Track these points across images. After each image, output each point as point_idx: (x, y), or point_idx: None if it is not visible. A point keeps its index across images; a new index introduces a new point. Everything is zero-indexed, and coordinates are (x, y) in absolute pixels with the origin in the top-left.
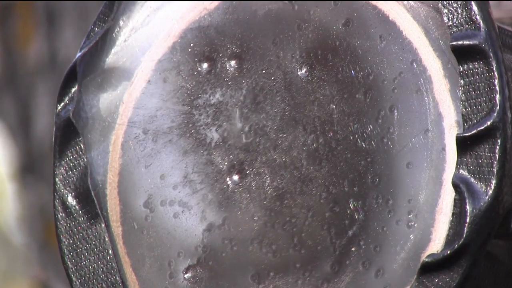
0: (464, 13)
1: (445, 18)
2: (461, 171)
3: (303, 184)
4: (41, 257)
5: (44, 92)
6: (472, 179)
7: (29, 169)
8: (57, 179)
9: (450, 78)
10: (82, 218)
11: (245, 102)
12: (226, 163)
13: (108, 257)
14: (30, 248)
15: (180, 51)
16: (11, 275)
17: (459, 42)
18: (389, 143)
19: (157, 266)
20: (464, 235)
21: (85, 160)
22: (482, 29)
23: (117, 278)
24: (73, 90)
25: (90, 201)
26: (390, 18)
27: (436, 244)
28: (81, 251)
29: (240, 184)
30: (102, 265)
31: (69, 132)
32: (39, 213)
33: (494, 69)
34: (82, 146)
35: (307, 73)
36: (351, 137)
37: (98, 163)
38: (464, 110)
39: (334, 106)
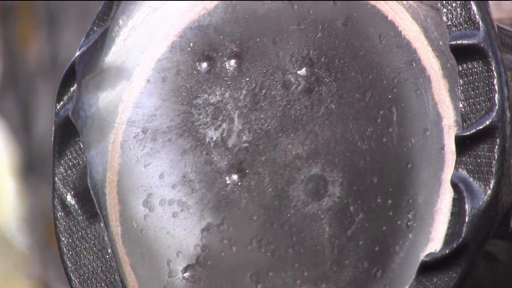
0: (463, 13)
1: (444, 18)
2: (460, 170)
3: (302, 184)
4: (43, 257)
5: (45, 92)
6: (471, 179)
7: (30, 170)
8: (56, 178)
9: (449, 77)
10: (81, 217)
11: (244, 101)
12: (225, 163)
13: (107, 256)
14: (31, 248)
15: (180, 51)
16: (12, 275)
17: (458, 42)
18: (388, 142)
19: (156, 265)
20: (463, 235)
21: (84, 159)
22: (481, 29)
23: (116, 277)
24: (72, 89)
25: (89, 200)
26: (389, 18)
27: (435, 244)
28: (80, 250)
29: (239, 183)
30: (101, 264)
31: (68, 131)
32: (40, 213)
33: (493, 68)
34: (81, 145)
35: (306, 73)
36: (350, 137)
37: (97, 162)
38: (463, 109)
39: (333, 106)
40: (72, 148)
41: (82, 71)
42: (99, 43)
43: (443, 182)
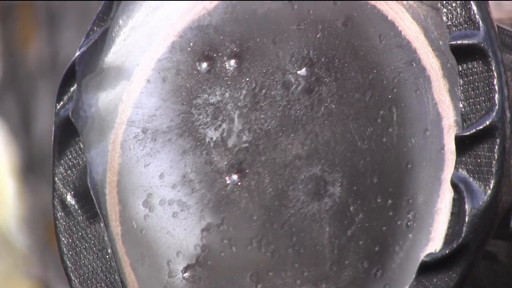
0: (464, 13)
1: (444, 18)
2: (460, 170)
3: (302, 184)
4: (43, 257)
5: (45, 92)
6: (471, 179)
7: (30, 169)
8: (56, 178)
9: (449, 77)
10: (81, 217)
11: (244, 101)
12: (225, 163)
13: (107, 256)
14: (31, 248)
15: (180, 51)
16: (12, 275)
17: (458, 42)
18: (388, 142)
19: (156, 265)
20: (462, 235)
21: (84, 159)
22: (481, 29)
23: (116, 277)
24: (72, 89)
25: (89, 200)
26: (389, 18)
27: (435, 244)
28: (80, 250)
29: (239, 183)
30: (101, 264)
31: (68, 131)
32: (40, 213)
33: (493, 68)
34: (81, 145)
35: (306, 73)
36: (350, 137)
37: (97, 162)
38: (463, 109)
39: (333, 106)
40: (72, 148)
41: (82, 71)
42: (99, 43)
43: (443, 182)
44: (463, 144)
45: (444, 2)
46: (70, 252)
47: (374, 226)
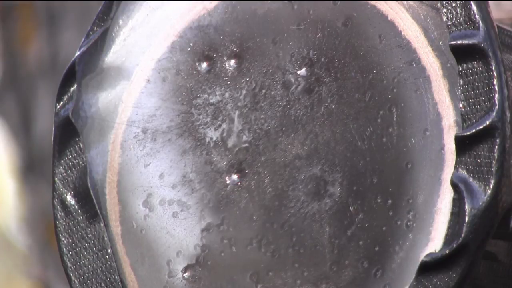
0: (463, 13)
1: (444, 18)
2: (460, 170)
3: (302, 184)
4: (43, 257)
5: (45, 92)
6: (471, 179)
7: (30, 169)
8: (56, 178)
9: (449, 77)
10: (81, 217)
11: (244, 101)
12: (225, 163)
13: (107, 256)
14: (31, 248)
15: (180, 51)
16: (12, 275)
17: (458, 42)
18: (388, 142)
19: (156, 265)
20: (462, 235)
21: (84, 159)
22: (481, 29)
23: (116, 277)
24: (72, 89)
25: (89, 200)
26: (389, 18)
27: (435, 244)
28: (80, 250)
29: (239, 183)
30: (101, 264)
31: (68, 131)
32: (40, 213)
33: (493, 68)
34: (81, 145)
35: (306, 73)
36: (350, 137)
37: (97, 162)
38: (463, 109)
39: (333, 106)
40: (72, 148)
41: (82, 71)
42: (99, 43)
43: (443, 182)
44: (463, 144)
45: (444, 2)
46: (70, 252)
47: (374, 226)
